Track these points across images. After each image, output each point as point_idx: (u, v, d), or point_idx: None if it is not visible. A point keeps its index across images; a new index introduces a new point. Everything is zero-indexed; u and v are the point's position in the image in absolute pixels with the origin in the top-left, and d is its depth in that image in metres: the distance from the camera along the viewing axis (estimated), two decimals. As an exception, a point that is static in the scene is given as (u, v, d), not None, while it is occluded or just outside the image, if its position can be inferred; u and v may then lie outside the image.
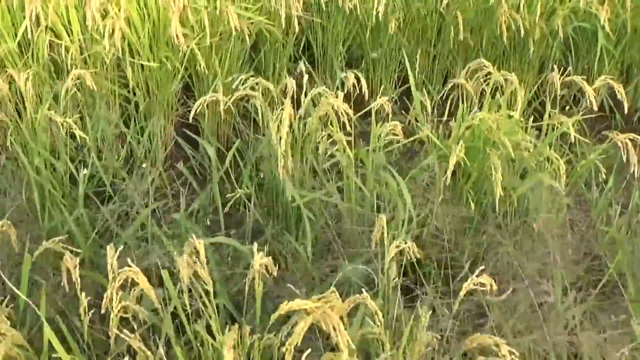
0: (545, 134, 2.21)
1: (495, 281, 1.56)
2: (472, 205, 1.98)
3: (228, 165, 2.16)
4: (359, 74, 2.11)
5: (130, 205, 2.10)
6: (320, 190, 2.03)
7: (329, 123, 2.04)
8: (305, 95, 2.05)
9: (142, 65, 2.66)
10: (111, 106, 2.76)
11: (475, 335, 1.29)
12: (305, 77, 2.04)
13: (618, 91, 2.18)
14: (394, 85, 3.10)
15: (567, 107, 3.29)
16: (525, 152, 2.06)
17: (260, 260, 1.35)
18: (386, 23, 2.85)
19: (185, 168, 2.43)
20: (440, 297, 1.71)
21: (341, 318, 1.22)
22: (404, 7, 2.93)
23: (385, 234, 1.53)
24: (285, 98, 2.07)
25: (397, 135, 2.04)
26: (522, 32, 2.90)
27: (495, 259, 1.82)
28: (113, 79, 2.73)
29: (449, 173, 1.90)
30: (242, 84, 2.04)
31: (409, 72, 2.25)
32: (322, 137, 2.00)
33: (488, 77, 2.27)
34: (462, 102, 2.08)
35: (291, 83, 2.04)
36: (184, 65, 2.62)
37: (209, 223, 2.12)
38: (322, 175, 2.04)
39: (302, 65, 2.16)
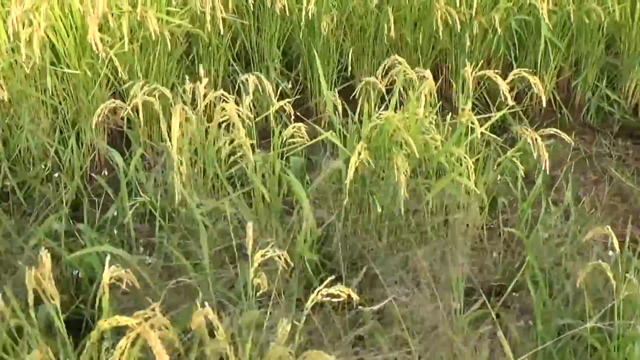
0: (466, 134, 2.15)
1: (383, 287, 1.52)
2: (379, 208, 1.93)
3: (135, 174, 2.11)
4: (261, 76, 2.06)
5: (35, 217, 2.07)
6: (225, 196, 1.99)
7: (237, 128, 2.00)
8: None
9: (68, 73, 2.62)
10: (43, 116, 2.73)
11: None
12: (205, 81, 2.00)
13: (534, 84, 2.10)
14: (333, 85, 3.05)
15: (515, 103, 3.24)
16: (435, 151, 2.00)
17: (111, 273, 1.31)
18: (319, 22, 2.80)
19: (107, 178, 2.40)
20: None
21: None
22: (338, 6, 2.88)
23: (251, 242, 1.48)
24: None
25: (301, 137, 1.99)
26: (459, 27, 2.85)
27: (391, 264, 1.77)
28: (41, 87, 2.69)
29: (350, 175, 1.85)
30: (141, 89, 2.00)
31: (320, 72, 2.20)
32: (224, 143, 1.96)
33: (407, 74, 2.21)
34: (367, 102, 2.02)
35: (189, 87, 1.99)
36: (104, 71, 2.57)
37: (116, 233, 2.08)
38: (225, 182, 1.99)
39: (201, 71, 2.11)
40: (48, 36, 2.48)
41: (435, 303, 1.58)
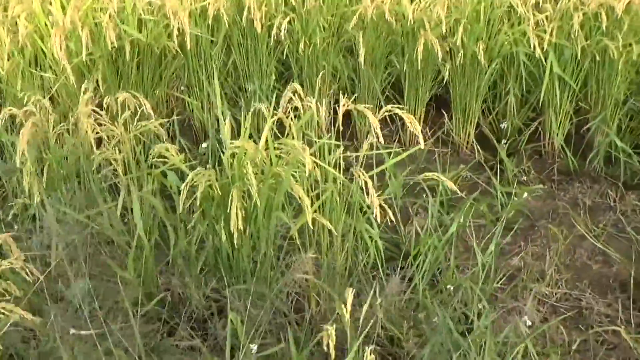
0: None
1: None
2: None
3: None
4: (139, 95, 2.08)
5: None
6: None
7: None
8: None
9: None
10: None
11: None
12: (88, 95, 2.06)
13: (410, 123, 1.91)
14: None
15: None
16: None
17: None
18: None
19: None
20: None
21: None
22: (304, 29, 2.83)
23: None
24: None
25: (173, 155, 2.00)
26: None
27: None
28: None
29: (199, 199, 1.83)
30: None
31: (216, 94, 2.17)
32: (96, 155, 2.01)
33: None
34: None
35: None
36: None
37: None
38: (97, 196, 2.04)
39: (89, 86, 2.17)
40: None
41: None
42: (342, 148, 1.98)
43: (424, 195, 2.63)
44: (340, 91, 2.25)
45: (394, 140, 3.16)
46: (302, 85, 2.90)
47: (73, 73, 2.65)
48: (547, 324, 2.12)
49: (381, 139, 1.85)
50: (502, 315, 2.20)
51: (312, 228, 1.90)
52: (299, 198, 1.80)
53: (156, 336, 1.82)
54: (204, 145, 2.82)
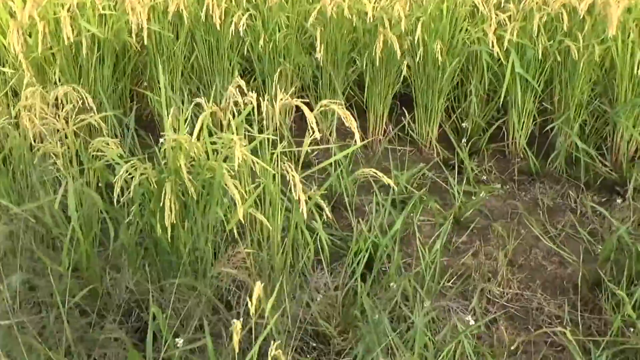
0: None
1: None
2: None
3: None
4: (80, 89, 2.07)
5: None
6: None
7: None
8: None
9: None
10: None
11: None
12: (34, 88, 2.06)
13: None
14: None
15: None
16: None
17: None
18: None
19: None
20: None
21: None
22: (265, 26, 2.82)
23: None
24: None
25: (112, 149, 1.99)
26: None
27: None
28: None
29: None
30: None
31: (162, 88, 2.16)
32: (35, 149, 2.01)
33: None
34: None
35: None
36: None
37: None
38: (39, 189, 2.04)
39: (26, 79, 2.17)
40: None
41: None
42: (285, 143, 1.98)
43: (382, 194, 2.62)
44: (304, 88, 2.27)
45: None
46: (264, 82, 2.90)
47: (32, 68, 2.65)
48: (481, 322, 2.10)
49: (317, 135, 1.84)
50: (447, 314, 2.19)
51: (244, 223, 1.88)
52: (232, 193, 1.79)
53: (87, 328, 1.81)
54: (161, 140, 2.80)
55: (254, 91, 2.41)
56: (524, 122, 2.94)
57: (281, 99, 1.86)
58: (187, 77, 3.05)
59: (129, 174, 1.85)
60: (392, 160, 2.94)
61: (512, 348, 2.03)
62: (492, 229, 2.63)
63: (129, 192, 1.87)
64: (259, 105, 1.93)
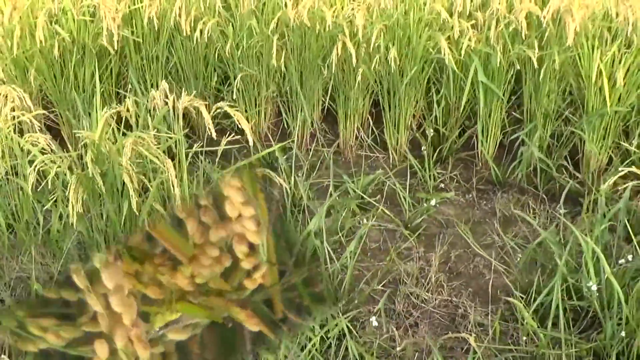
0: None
1: None
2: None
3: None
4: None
5: None
6: None
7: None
8: None
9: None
10: None
11: None
12: None
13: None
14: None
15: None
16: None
17: None
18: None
19: None
20: None
21: None
22: (236, 32, 2.92)
23: None
24: None
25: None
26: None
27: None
28: None
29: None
30: None
31: (97, 93, 2.30)
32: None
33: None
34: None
35: None
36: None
37: None
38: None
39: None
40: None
41: None
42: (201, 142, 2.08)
43: (339, 198, 2.69)
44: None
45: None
46: (238, 88, 3.01)
47: (16, 68, 2.86)
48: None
49: (214, 134, 1.93)
50: (367, 316, 2.23)
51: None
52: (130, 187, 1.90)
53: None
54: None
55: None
56: (491, 131, 2.92)
57: (184, 102, 1.96)
58: (171, 81, 3.19)
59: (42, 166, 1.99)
60: (360, 167, 2.99)
61: (398, 349, 2.05)
62: (441, 236, 2.64)
63: (45, 182, 2.02)
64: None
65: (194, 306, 1.68)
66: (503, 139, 3.01)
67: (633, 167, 2.40)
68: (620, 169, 2.35)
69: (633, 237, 2.15)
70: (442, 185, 2.90)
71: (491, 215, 2.76)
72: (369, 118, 3.14)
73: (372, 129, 3.11)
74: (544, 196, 2.81)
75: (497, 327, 2.15)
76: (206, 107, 2.12)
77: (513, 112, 3.02)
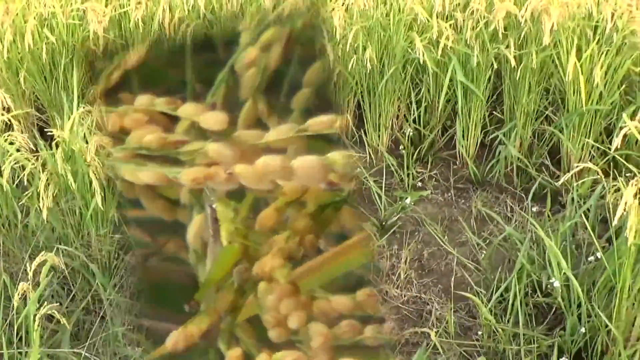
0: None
1: None
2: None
3: None
4: None
5: None
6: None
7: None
8: None
9: None
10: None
11: None
12: None
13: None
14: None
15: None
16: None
17: None
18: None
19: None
20: None
21: None
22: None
23: None
24: None
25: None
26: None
27: None
28: None
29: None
30: None
31: (74, 91, 2.38)
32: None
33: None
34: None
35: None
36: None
37: None
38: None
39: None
40: None
41: None
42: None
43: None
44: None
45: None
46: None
47: (7, 70, 2.96)
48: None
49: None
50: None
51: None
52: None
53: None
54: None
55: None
56: (471, 131, 2.95)
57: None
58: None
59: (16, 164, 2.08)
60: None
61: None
62: (416, 234, 2.67)
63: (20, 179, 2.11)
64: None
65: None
66: (484, 138, 3.03)
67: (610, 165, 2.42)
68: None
69: (594, 237, 2.15)
70: (420, 184, 2.92)
71: (468, 213, 2.78)
72: (351, 120, 3.16)
73: (353, 130, 3.13)
74: (522, 195, 2.82)
75: (457, 322, 2.18)
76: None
77: (494, 112, 3.02)
